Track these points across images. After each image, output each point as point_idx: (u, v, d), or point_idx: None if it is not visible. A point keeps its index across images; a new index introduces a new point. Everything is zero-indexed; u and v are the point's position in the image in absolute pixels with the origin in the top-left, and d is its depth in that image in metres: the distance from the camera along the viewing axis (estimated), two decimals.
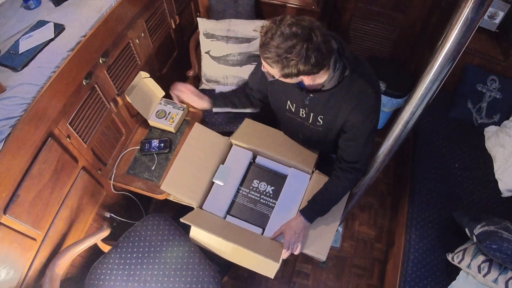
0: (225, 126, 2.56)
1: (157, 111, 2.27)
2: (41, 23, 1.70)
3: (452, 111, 2.78)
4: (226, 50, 2.58)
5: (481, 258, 1.89)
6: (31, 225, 1.55)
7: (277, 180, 1.83)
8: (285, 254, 1.61)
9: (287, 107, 1.67)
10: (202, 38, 2.60)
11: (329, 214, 1.70)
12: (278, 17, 1.27)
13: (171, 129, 2.22)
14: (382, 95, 2.56)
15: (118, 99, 2.04)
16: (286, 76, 1.33)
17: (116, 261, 1.86)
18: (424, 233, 2.22)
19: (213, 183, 1.81)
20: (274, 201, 1.78)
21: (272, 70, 1.34)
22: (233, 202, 1.78)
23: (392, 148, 1.56)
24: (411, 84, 2.97)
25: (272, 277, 1.67)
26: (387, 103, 2.97)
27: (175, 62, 2.79)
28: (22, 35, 1.65)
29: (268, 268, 1.67)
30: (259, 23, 2.55)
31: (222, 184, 1.79)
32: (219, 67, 2.63)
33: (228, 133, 1.98)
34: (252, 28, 2.55)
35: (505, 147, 2.46)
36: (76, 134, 1.76)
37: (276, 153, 1.87)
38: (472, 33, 1.06)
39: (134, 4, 2.01)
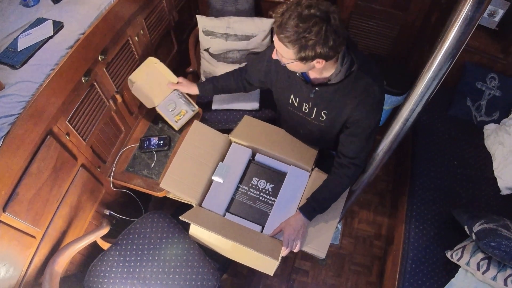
0: (224, 123, 2.56)
1: (168, 100, 2.14)
2: (40, 21, 1.69)
3: (451, 109, 2.78)
4: (225, 47, 2.58)
5: (480, 255, 1.90)
6: (30, 222, 1.55)
7: (277, 177, 1.83)
8: (284, 252, 1.61)
9: (290, 101, 1.67)
10: (201, 36, 2.60)
11: (328, 211, 1.70)
12: (294, 0, 1.27)
13: (175, 126, 2.13)
14: None
15: (117, 96, 2.04)
16: (301, 59, 1.30)
17: (116, 258, 1.86)
18: (423, 231, 2.22)
19: (212, 180, 1.81)
20: (273, 198, 1.78)
21: (287, 52, 1.31)
22: (232, 199, 1.78)
23: (391, 146, 1.56)
24: (410, 81, 2.95)
25: (272, 274, 1.67)
26: (387, 101, 2.97)
27: (175, 59, 2.78)
28: (21, 33, 1.65)
29: (267, 265, 1.67)
30: (258, 21, 2.56)
31: (221, 181, 1.79)
32: (218, 64, 2.63)
33: (227, 131, 1.98)
34: (251, 25, 2.55)
35: (504, 145, 2.46)
36: (75, 132, 1.76)
37: (275, 151, 1.87)
38: (471, 31, 1.06)
39: (133, 1, 2.01)
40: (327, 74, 1.46)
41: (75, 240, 1.80)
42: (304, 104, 1.61)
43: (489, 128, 2.67)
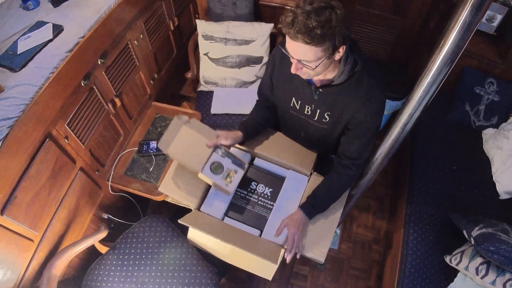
0: (223, 128, 2.56)
1: (213, 162, 1.69)
2: (39, 24, 1.70)
3: (450, 114, 2.79)
4: (224, 52, 2.58)
5: (479, 260, 1.90)
6: (28, 226, 1.55)
7: (275, 182, 1.83)
8: (290, 254, 1.57)
9: (291, 105, 1.67)
10: (200, 40, 2.60)
11: (327, 215, 1.70)
12: (290, 7, 1.27)
13: (227, 191, 1.69)
14: None
15: (116, 100, 2.04)
16: (333, 49, 1.30)
17: (114, 262, 1.85)
18: (422, 235, 2.22)
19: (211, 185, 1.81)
20: (272, 203, 1.78)
21: (316, 53, 1.29)
22: (231, 203, 1.77)
23: (390, 150, 1.57)
24: (409, 86, 2.96)
25: (270, 279, 1.66)
26: (385, 105, 2.97)
27: (174, 63, 2.79)
28: (21, 36, 1.65)
29: (266, 269, 1.66)
30: (257, 26, 2.57)
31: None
32: (218, 69, 2.63)
33: None
34: (251, 30, 2.55)
35: (503, 149, 2.46)
36: (74, 135, 1.75)
37: (274, 155, 1.87)
38: (470, 36, 1.06)
39: (133, 6, 2.02)
40: (330, 75, 1.46)
41: (73, 244, 1.80)
42: (307, 106, 1.62)
43: (487, 133, 2.67)
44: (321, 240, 1.67)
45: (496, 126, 2.69)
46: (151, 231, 1.95)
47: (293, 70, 1.40)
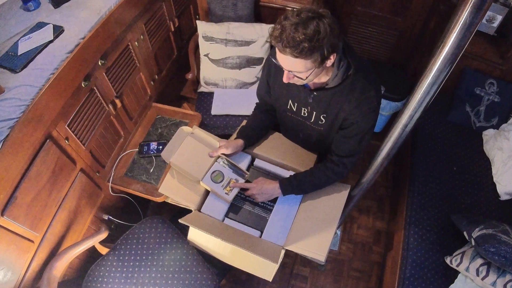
0: (223, 128, 2.57)
1: (214, 171, 1.75)
2: (40, 25, 1.70)
3: (450, 115, 2.79)
4: (225, 53, 2.59)
5: (479, 261, 1.89)
6: (28, 227, 1.55)
7: None
8: (235, 186, 1.71)
9: (288, 107, 1.68)
10: (201, 41, 2.61)
11: (327, 216, 1.70)
12: (278, 20, 1.28)
13: (226, 199, 1.74)
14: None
15: (117, 101, 2.04)
16: (322, 60, 1.30)
17: (114, 263, 1.85)
18: (423, 236, 2.21)
19: None
20: (272, 204, 1.78)
21: (305, 65, 1.31)
22: (231, 205, 1.77)
23: (390, 151, 1.57)
24: (409, 87, 2.97)
25: (270, 280, 1.66)
26: (386, 107, 2.97)
27: (174, 64, 2.79)
28: (21, 37, 1.65)
29: (266, 270, 1.66)
30: (258, 27, 2.57)
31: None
32: (218, 70, 2.63)
33: (226, 136, 1.98)
34: (251, 31, 2.56)
35: (503, 150, 2.46)
36: (74, 136, 1.76)
37: (274, 156, 1.87)
38: (470, 36, 1.06)
39: (134, 7, 2.02)
40: (324, 78, 1.47)
41: (74, 245, 1.80)
42: (303, 108, 1.62)
43: (488, 134, 2.67)
44: (321, 241, 1.67)
45: (496, 127, 2.69)
46: (151, 232, 1.95)
47: (285, 80, 1.42)
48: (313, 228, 1.69)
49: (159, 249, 1.91)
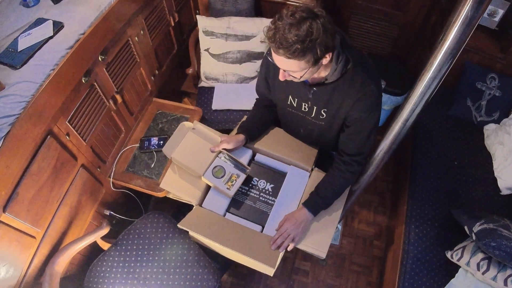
0: (224, 123, 2.57)
1: (215, 167, 1.75)
2: (40, 21, 1.69)
3: (451, 109, 2.78)
4: (225, 47, 2.58)
5: (480, 255, 1.90)
6: (30, 223, 1.55)
7: (277, 177, 1.83)
8: (274, 243, 1.58)
9: (289, 102, 1.67)
10: (201, 36, 2.60)
11: (329, 211, 1.70)
12: (272, 19, 1.28)
13: (228, 194, 1.74)
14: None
15: (117, 96, 2.04)
16: (315, 61, 1.30)
17: (116, 258, 1.86)
18: (424, 231, 2.22)
19: None
20: (273, 198, 1.78)
21: (299, 65, 1.31)
22: (232, 199, 1.78)
23: (391, 146, 1.56)
24: (410, 81, 2.96)
25: (272, 275, 1.67)
26: (387, 101, 2.97)
27: (175, 59, 2.79)
28: (21, 33, 1.65)
29: (267, 266, 1.67)
30: (258, 21, 2.56)
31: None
32: (219, 65, 2.63)
33: (227, 131, 1.98)
34: (251, 25, 2.55)
35: (504, 145, 2.46)
36: (75, 132, 1.76)
37: (275, 151, 1.87)
38: (471, 31, 1.06)
39: (133, 1, 2.01)
40: (323, 74, 1.47)
41: (75, 241, 1.80)
42: (304, 103, 1.62)
43: (489, 128, 2.67)
44: (323, 235, 1.67)
45: (497, 121, 2.69)
46: (153, 227, 1.96)
47: (281, 78, 1.43)
48: (314, 224, 1.69)
49: (161, 244, 1.91)
